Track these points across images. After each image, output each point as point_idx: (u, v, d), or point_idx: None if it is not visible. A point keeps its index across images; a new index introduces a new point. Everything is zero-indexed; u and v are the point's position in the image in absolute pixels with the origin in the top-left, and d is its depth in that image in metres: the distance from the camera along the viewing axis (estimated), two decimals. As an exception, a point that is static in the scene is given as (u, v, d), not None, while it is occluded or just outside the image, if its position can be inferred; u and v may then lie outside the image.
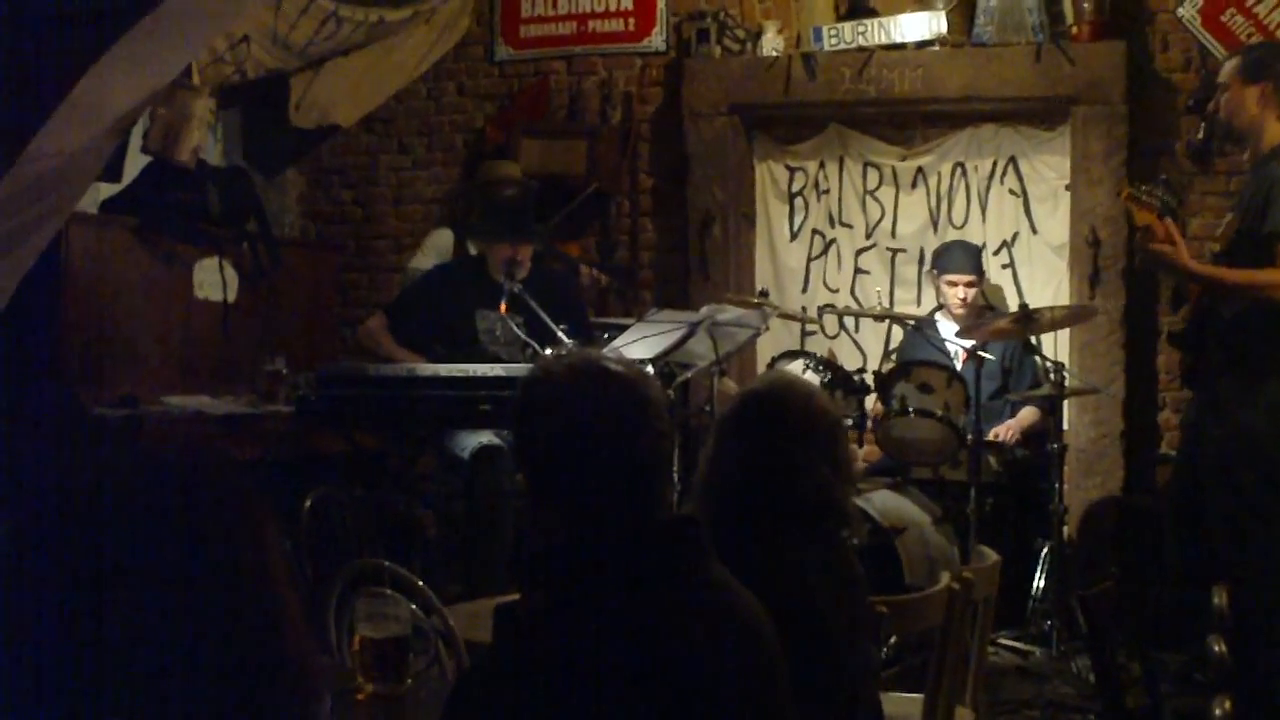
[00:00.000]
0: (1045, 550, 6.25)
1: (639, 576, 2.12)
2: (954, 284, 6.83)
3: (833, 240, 7.73)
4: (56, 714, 1.27)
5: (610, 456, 2.18)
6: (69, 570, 1.30)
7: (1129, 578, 6.45)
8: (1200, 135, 6.73)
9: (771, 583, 2.40)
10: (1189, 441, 6.00)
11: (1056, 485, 6.19)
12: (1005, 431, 6.64)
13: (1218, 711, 3.74)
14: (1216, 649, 3.70)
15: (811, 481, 2.95)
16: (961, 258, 6.89)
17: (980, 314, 6.82)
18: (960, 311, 6.81)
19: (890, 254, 7.63)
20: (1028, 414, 6.73)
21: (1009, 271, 7.42)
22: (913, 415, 6.20)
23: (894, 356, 7.11)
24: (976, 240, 7.30)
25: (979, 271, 6.92)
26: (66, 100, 3.99)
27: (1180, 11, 6.92)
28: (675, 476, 4.98)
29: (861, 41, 7.32)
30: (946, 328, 6.89)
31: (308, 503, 5.25)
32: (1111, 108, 6.99)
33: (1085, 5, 6.99)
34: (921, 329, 6.94)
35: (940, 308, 7.06)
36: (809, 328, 7.61)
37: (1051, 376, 6.29)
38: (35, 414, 5.79)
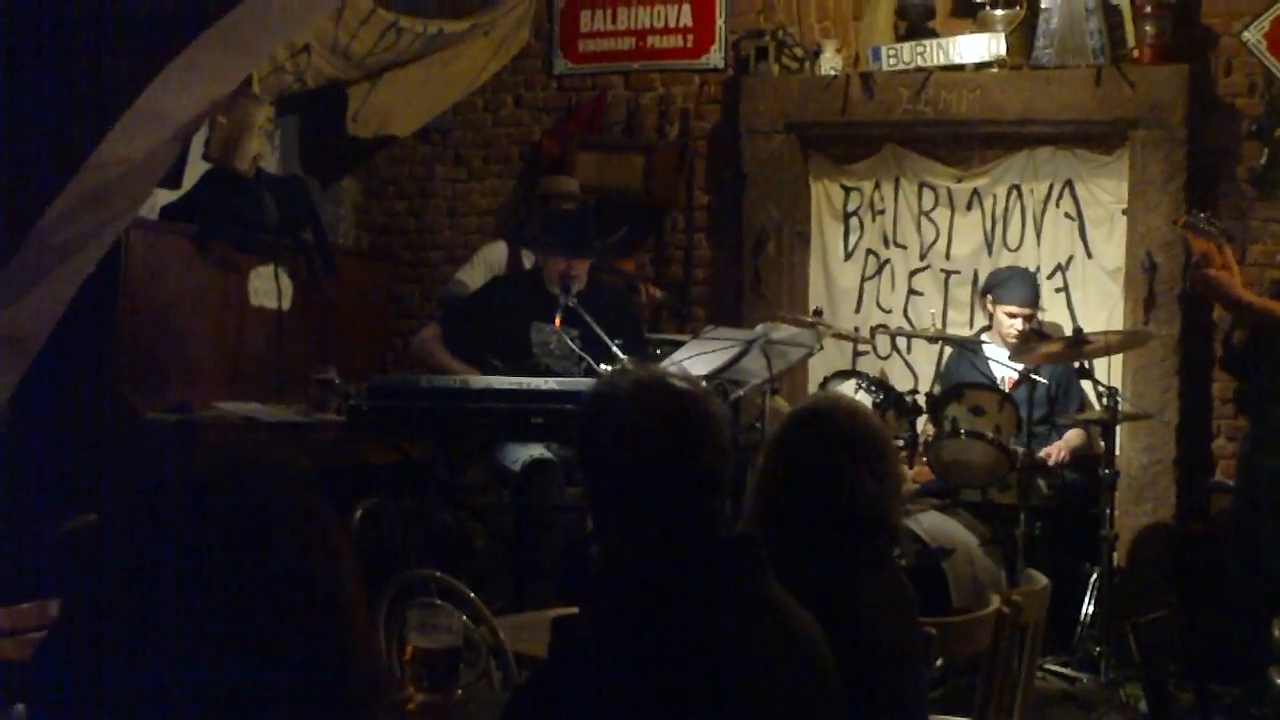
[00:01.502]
0: (1094, 576, 6.20)
1: (699, 593, 2.13)
2: (1013, 315, 6.76)
3: (887, 261, 7.70)
4: (123, 707, 1.28)
5: (673, 472, 2.19)
6: (139, 574, 1.31)
7: (1182, 607, 6.39)
8: (1264, 160, 6.69)
9: (823, 601, 2.39)
10: (1245, 472, 5.96)
11: (1107, 511, 6.14)
12: (1056, 452, 6.60)
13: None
14: (1277, 681, 3.66)
15: (860, 497, 2.95)
16: (1023, 290, 6.80)
17: (1029, 338, 6.76)
18: (1013, 341, 6.76)
19: (944, 275, 7.60)
20: (1074, 435, 6.69)
21: (1063, 295, 7.37)
22: (964, 437, 6.17)
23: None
24: (1030, 264, 7.26)
25: (1037, 304, 6.88)
26: (131, 108, 4.03)
27: (1245, 35, 6.86)
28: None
29: (920, 62, 7.30)
30: (993, 350, 6.85)
31: (358, 513, 5.27)
32: (1171, 132, 6.94)
33: (1147, 29, 6.94)
34: (967, 351, 6.90)
35: (986, 329, 7.02)
36: (861, 348, 7.58)
37: (1104, 402, 6.25)
38: (90, 417, 5.85)
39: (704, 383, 2.49)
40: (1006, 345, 6.77)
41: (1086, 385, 6.71)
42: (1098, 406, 6.47)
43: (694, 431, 2.21)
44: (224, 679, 1.28)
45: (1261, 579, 5.54)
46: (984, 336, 6.98)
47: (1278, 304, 5.54)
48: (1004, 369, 6.73)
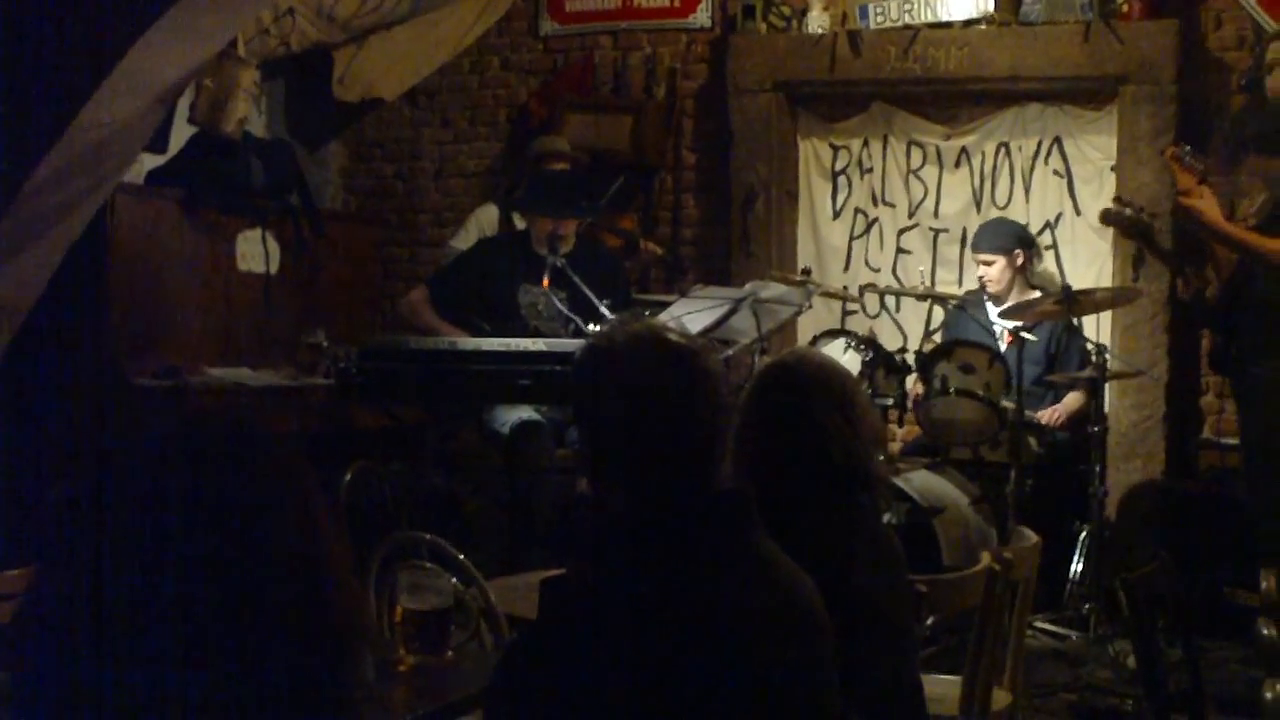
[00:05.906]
0: (1084, 533, 6.21)
1: (693, 549, 2.12)
2: (977, 261, 6.90)
3: (875, 219, 7.69)
4: (102, 673, 1.28)
5: (668, 428, 2.17)
6: (114, 542, 1.31)
7: (1172, 563, 6.40)
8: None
9: (809, 557, 2.38)
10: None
11: (1097, 468, 6.15)
12: (1051, 415, 6.60)
13: (1269, 695, 3.72)
14: (1266, 632, 3.68)
15: (833, 444, 2.94)
16: (982, 235, 6.93)
17: (1019, 293, 6.75)
18: (993, 290, 6.80)
19: (933, 234, 7.59)
20: (1073, 399, 6.67)
21: (1051, 252, 7.36)
22: (953, 395, 6.16)
23: (937, 334, 7.06)
24: (1019, 220, 7.24)
25: (1002, 251, 6.82)
26: (116, 71, 4.02)
27: (1235, -11, 6.84)
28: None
29: (908, 19, 7.28)
30: (992, 307, 6.86)
31: (347, 476, 5.26)
32: (1161, 87, 6.92)
33: (1137, -17, 6.91)
34: (966, 307, 6.89)
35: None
36: (850, 307, 7.58)
37: (1093, 359, 6.25)
38: (79, 383, 5.84)
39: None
40: (990, 298, 6.80)
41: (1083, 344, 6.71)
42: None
43: (689, 387, 2.19)
44: (203, 643, 1.28)
45: (1247, 530, 5.56)
46: (985, 294, 6.95)
47: (1255, 235, 5.50)
48: (1003, 326, 6.73)
